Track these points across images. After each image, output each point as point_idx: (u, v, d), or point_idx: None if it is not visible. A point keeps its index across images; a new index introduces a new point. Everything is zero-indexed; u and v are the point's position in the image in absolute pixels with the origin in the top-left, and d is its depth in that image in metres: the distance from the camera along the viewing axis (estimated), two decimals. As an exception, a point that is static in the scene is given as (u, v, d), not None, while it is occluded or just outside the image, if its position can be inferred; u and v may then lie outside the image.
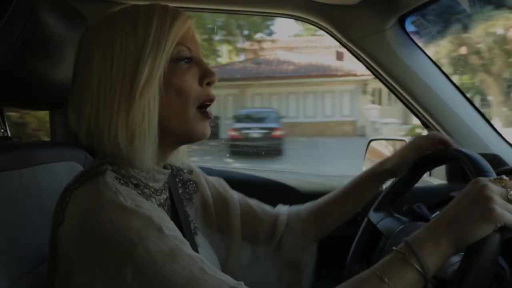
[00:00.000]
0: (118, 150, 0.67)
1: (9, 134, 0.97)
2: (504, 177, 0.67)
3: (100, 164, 0.70)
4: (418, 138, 0.96)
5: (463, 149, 0.84)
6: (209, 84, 0.73)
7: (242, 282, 0.63)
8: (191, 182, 0.91)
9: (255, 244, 0.93)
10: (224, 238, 0.92)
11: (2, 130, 0.96)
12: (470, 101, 1.36)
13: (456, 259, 0.74)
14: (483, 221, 0.62)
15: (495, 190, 0.64)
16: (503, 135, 1.36)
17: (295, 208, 0.99)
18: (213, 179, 0.96)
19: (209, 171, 1.58)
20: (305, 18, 1.36)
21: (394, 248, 0.65)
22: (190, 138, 0.73)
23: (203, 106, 0.73)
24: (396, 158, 0.95)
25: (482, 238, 0.62)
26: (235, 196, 0.95)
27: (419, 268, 0.62)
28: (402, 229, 0.91)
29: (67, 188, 0.68)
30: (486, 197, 0.63)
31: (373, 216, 1.03)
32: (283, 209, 0.99)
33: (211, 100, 0.74)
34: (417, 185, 1.01)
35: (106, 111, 0.67)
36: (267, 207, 0.98)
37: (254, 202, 0.97)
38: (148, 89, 0.66)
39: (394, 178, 1.00)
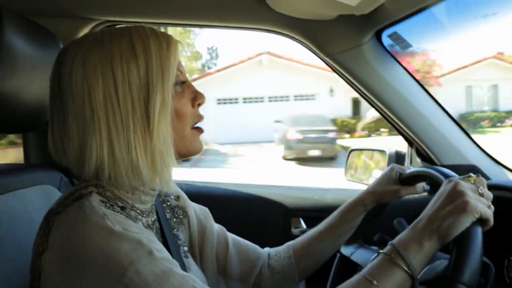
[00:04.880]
0: (137, 175, 0.67)
1: None
2: (472, 174, 0.74)
3: (85, 186, 0.68)
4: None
5: (423, 167, 0.89)
6: (199, 105, 0.77)
7: None
8: (179, 208, 0.91)
9: (229, 279, 0.92)
10: (203, 270, 0.90)
11: None
12: (447, 113, 1.37)
13: (439, 262, 0.78)
14: (460, 213, 0.67)
15: (466, 186, 0.72)
16: (482, 147, 1.38)
17: (275, 249, 0.98)
18: (197, 207, 0.95)
19: (191, 187, 1.56)
20: (283, 33, 1.36)
21: (380, 251, 0.69)
22: (188, 154, 0.75)
23: (194, 123, 0.76)
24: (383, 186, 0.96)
25: (465, 231, 0.67)
26: (215, 227, 0.94)
27: (405, 268, 0.66)
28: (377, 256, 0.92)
29: (50, 212, 0.66)
30: (460, 192, 0.70)
31: (345, 250, 1.04)
32: (264, 249, 0.98)
33: (202, 119, 0.78)
34: None
35: (121, 141, 0.65)
36: (248, 244, 0.97)
37: (233, 237, 0.96)
38: (164, 114, 0.67)
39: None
